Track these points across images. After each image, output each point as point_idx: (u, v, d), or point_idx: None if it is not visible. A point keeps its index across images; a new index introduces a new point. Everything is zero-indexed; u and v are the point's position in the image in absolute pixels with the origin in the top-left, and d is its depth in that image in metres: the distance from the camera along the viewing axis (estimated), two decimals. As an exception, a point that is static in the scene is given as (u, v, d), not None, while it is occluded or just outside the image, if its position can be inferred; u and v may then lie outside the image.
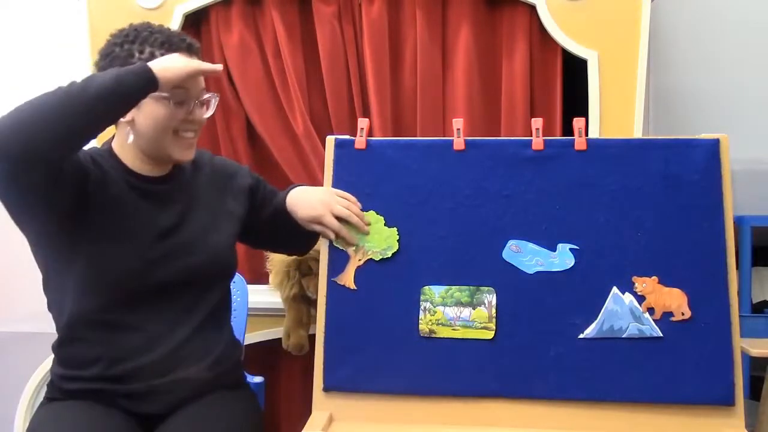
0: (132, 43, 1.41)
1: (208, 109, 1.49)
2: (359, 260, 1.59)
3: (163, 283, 1.45)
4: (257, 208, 1.65)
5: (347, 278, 1.58)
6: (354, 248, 1.59)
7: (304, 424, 1.47)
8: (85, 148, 1.35)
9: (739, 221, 2.32)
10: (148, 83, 1.29)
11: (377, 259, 1.58)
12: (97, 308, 1.42)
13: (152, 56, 1.39)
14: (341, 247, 1.59)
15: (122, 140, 1.47)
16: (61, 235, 1.39)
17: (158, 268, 1.44)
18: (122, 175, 1.46)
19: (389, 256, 1.58)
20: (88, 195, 1.38)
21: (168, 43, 1.41)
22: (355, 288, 1.57)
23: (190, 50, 1.44)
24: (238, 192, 1.62)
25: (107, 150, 1.49)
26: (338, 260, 1.59)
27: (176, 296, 1.47)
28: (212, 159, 1.64)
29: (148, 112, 1.40)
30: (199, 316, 1.49)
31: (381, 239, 1.59)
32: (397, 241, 1.58)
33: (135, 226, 1.44)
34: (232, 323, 1.62)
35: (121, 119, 1.41)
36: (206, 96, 1.48)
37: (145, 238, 1.44)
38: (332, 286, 1.58)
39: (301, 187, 1.68)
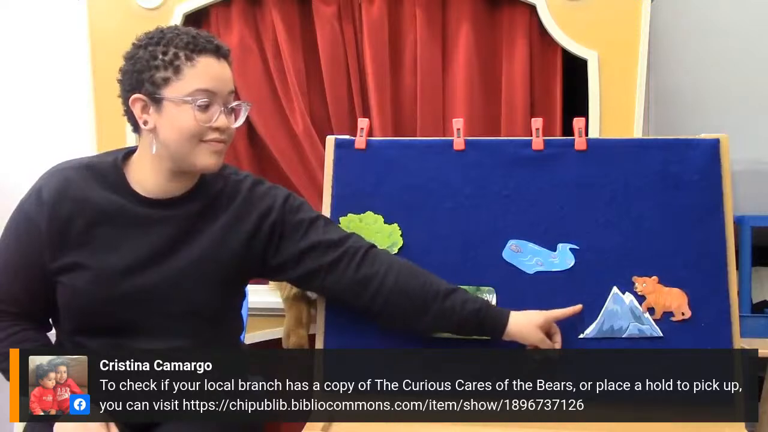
0: (156, 45, 1.34)
1: (237, 118, 1.40)
2: None
3: (127, 322, 1.39)
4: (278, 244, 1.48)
5: None
6: None
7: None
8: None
9: (739, 221, 2.32)
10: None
11: None
12: (75, 332, 1.41)
13: (176, 57, 1.33)
14: None
15: (145, 151, 1.39)
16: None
17: (119, 307, 1.38)
18: (116, 197, 1.39)
19: (396, 252, 1.57)
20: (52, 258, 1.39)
21: (193, 43, 1.34)
22: None
23: (218, 52, 1.37)
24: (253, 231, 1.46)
25: (115, 164, 1.42)
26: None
27: (151, 333, 1.40)
28: (253, 187, 1.49)
29: (169, 117, 1.34)
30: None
31: (384, 237, 1.59)
32: (401, 235, 1.58)
33: (101, 261, 1.38)
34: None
35: (143, 127, 1.36)
36: (235, 103, 1.39)
37: (109, 275, 1.38)
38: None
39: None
